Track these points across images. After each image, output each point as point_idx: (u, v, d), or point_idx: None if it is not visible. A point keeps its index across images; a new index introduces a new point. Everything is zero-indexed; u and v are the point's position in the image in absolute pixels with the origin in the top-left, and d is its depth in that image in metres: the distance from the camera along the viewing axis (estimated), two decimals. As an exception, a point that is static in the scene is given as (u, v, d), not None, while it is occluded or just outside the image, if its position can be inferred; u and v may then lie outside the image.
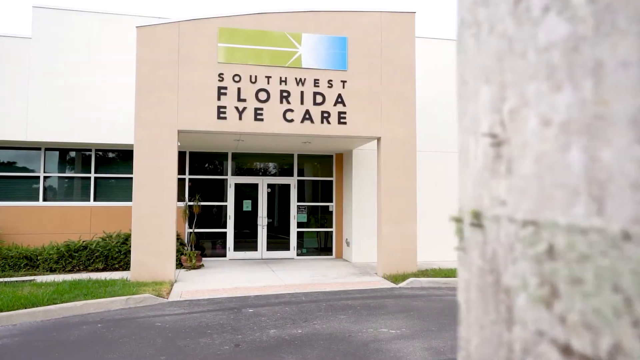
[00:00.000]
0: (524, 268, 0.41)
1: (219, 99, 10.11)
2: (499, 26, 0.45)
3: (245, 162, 14.00)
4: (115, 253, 11.15)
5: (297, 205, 13.85)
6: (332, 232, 13.93)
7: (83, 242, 11.32)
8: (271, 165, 14.19)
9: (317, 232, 14.01)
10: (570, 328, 0.36)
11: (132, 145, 10.70)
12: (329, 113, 10.55)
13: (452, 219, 0.53)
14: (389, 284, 9.91)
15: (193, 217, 12.77)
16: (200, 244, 13.06)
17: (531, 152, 0.40)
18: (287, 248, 13.74)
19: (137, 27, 10.18)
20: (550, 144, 0.39)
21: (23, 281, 9.64)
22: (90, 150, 12.91)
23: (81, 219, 12.49)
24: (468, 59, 0.50)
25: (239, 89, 10.19)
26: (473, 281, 0.47)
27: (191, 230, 12.71)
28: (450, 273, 10.50)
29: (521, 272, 0.41)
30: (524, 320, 0.40)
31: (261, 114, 10.25)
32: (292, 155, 13.94)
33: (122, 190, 12.82)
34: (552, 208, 0.38)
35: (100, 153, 13.03)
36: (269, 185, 13.87)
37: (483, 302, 0.45)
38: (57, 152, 12.86)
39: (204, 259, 12.70)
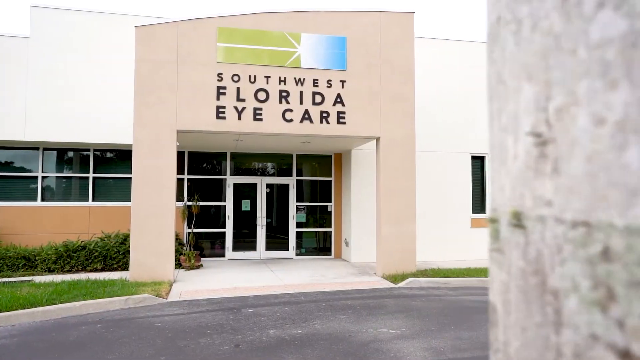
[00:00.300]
0: (574, 270, 0.40)
1: (218, 98, 10.10)
2: (543, 23, 0.44)
3: (244, 162, 13.99)
4: (114, 253, 11.12)
5: (296, 205, 13.84)
6: (331, 232, 13.92)
7: (81, 242, 11.29)
8: (270, 165, 14.18)
9: (316, 232, 14.00)
10: (630, 333, 0.35)
11: (131, 145, 10.68)
12: (328, 113, 10.55)
13: (487, 219, 0.52)
14: (388, 284, 9.91)
15: (192, 217, 12.75)
16: (199, 244, 13.03)
17: (582, 152, 0.40)
18: (286, 248, 13.73)
19: (136, 26, 10.16)
20: (604, 143, 0.38)
21: (21, 281, 9.60)
22: (88, 150, 12.87)
23: (79, 219, 12.45)
24: (506, 57, 0.49)
25: (238, 89, 10.18)
26: (513, 282, 0.47)
27: (190, 230, 12.69)
28: (450, 273, 10.51)
29: (571, 273, 0.40)
30: (575, 324, 0.39)
31: (260, 114, 10.24)
32: (291, 155, 13.92)
33: (121, 190, 12.79)
34: (607, 209, 0.37)
35: (99, 153, 13.00)
36: (268, 185, 13.86)
37: (525, 304, 0.45)
38: (56, 152, 12.82)
39: (202, 259, 12.68)
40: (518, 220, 0.46)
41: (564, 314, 0.40)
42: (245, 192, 13.72)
